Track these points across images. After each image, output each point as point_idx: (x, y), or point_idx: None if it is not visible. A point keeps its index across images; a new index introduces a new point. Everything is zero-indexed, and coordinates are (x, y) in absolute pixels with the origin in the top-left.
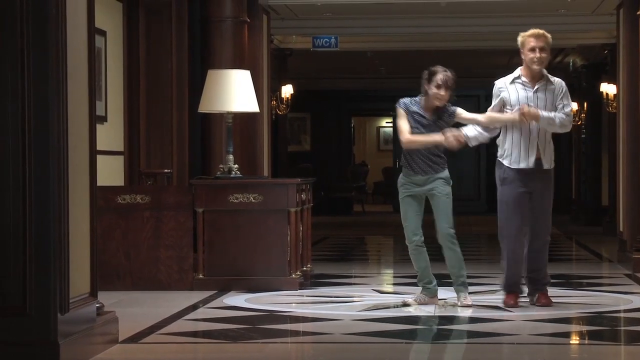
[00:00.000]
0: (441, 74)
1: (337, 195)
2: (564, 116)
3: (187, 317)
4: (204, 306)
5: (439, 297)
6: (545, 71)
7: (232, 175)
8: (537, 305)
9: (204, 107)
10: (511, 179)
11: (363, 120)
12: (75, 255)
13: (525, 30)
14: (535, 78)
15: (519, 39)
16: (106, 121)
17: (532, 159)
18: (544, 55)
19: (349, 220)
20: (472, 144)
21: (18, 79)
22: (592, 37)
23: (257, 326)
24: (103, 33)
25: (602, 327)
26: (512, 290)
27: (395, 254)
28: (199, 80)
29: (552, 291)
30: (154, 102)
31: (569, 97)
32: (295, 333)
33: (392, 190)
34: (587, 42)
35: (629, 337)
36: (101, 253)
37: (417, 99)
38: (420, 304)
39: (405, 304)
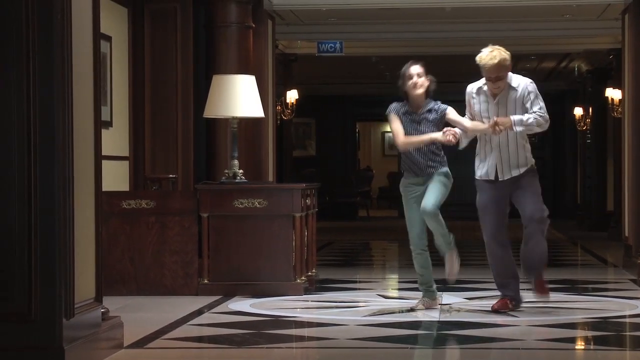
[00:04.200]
0: (409, 67)
1: (341, 200)
2: (537, 116)
3: (192, 322)
4: (209, 311)
5: (442, 302)
6: (509, 78)
7: (237, 181)
8: (534, 295)
9: (209, 112)
10: (482, 185)
11: (368, 125)
12: (80, 261)
13: (526, 35)
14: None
15: (477, 59)
16: (111, 126)
17: (492, 171)
18: (499, 83)
19: (354, 225)
20: (462, 145)
21: (23, 84)
22: (597, 42)
23: (262, 331)
24: (108, 38)
25: (608, 333)
26: (502, 294)
27: (400, 259)
28: (204, 86)
29: (557, 296)
30: (159, 108)
31: (538, 95)
32: (300, 338)
33: (397, 195)
34: (593, 47)
35: (634, 343)
36: (106, 258)
37: (404, 102)
38: (426, 307)
39: (412, 310)
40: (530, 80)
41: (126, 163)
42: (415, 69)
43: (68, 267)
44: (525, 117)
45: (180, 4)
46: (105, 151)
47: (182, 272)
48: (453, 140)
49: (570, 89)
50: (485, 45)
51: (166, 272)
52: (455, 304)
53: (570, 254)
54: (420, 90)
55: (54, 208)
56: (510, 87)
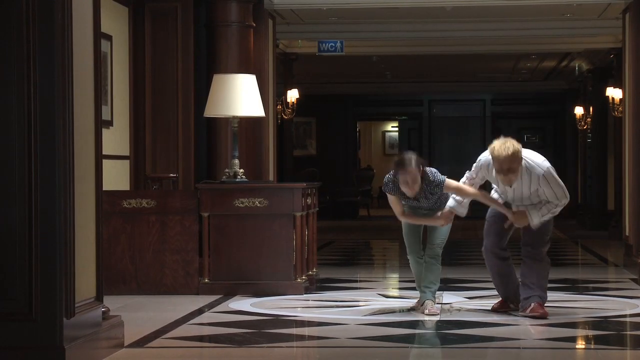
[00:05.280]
0: (402, 175)
1: (342, 199)
2: (552, 207)
3: (192, 321)
4: (210, 310)
5: (443, 302)
6: (523, 164)
7: (237, 180)
8: (529, 316)
9: (210, 112)
10: None
11: (368, 124)
12: (81, 260)
13: (527, 35)
14: None
15: (489, 151)
16: (112, 125)
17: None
18: (511, 175)
19: (355, 224)
20: (463, 214)
21: (24, 84)
22: (598, 41)
23: (262, 330)
24: (109, 38)
25: (608, 332)
26: (503, 298)
27: (401, 259)
28: (204, 85)
29: (558, 295)
30: (160, 107)
31: (554, 181)
32: (301, 337)
33: None
34: (593, 47)
35: (635, 342)
36: (107, 257)
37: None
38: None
39: (413, 309)
40: (547, 168)
41: (127, 162)
42: (405, 179)
43: (68, 266)
44: (543, 213)
45: (181, 3)
46: (105, 150)
47: (183, 271)
48: (448, 222)
49: (571, 88)
50: (485, 44)
51: (167, 271)
52: (455, 303)
53: (570, 253)
54: (413, 192)
55: (55, 207)
56: (526, 171)
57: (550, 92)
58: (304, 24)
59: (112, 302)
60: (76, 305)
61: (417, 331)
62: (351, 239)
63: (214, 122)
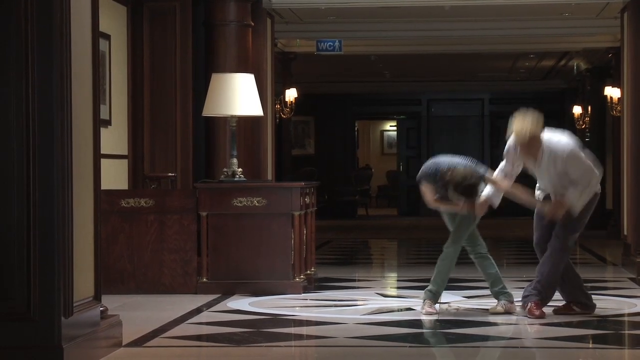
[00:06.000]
0: (455, 185)
1: (341, 198)
2: (581, 188)
3: (190, 320)
4: (208, 310)
5: (442, 301)
6: (545, 142)
7: (235, 179)
8: (528, 316)
9: (208, 111)
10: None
11: (367, 123)
12: (79, 259)
13: (525, 34)
14: None
15: (513, 135)
16: (110, 125)
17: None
18: (531, 154)
19: (353, 223)
20: (496, 204)
21: (22, 83)
22: (596, 40)
23: (260, 330)
24: (107, 37)
25: (606, 331)
26: (564, 299)
27: (399, 258)
28: (203, 84)
29: (557, 295)
30: (158, 106)
31: (578, 162)
32: (299, 337)
33: (396, 194)
34: (592, 46)
35: (633, 341)
36: (105, 257)
37: (439, 172)
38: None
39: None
40: (569, 150)
41: (125, 161)
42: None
43: (67, 265)
44: (579, 190)
45: (180, 3)
46: (104, 150)
47: (181, 270)
48: (483, 212)
49: (570, 88)
50: (483, 43)
51: (165, 270)
52: (454, 302)
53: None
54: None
55: (53, 207)
56: (550, 149)
57: (548, 91)
58: (303, 23)
59: (111, 302)
60: (74, 304)
61: (415, 330)
62: (350, 238)
63: (213, 121)
